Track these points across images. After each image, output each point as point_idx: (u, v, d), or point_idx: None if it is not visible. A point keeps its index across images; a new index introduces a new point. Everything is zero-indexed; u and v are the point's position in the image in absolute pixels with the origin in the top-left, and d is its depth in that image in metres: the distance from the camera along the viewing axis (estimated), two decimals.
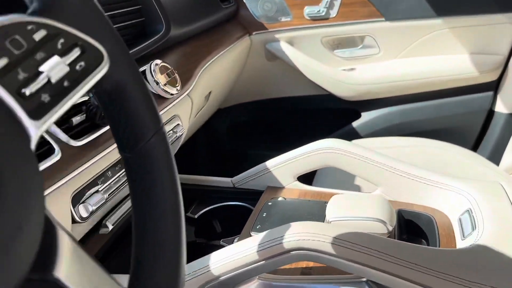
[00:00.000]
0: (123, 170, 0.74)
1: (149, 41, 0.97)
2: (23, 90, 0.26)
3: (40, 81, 0.27)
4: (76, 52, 0.31)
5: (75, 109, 0.69)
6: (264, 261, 0.62)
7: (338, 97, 1.51)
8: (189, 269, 0.65)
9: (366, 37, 1.50)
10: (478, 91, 1.47)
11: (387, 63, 1.50)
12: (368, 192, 0.90)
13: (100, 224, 0.80)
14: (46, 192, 0.58)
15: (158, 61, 0.89)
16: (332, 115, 1.61)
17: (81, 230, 0.73)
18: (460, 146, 1.23)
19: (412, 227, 0.79)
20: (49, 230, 0.29)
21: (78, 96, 0.32)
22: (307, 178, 0.96)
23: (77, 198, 0.64)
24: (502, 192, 0.74)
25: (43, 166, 0.59)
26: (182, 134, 0.94)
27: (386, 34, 1.47)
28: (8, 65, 0.26)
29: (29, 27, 0.27)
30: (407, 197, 0.84)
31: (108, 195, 0.69)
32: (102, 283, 0.33)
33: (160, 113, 0.87)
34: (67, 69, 0.30)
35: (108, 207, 0.77)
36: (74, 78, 0.31)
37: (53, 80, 0.28)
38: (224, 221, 0.98)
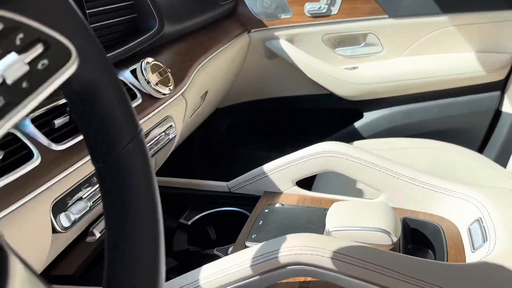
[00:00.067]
0: None
1: (142, 38, 0.94)
2: None
3: None
4: (38, 49, 0.28)
5: (57, 111, 0.66)
6: (258, 276, 0.58)
7: (340, 96, 1.49)
8: (179, 284, 0.61)
9: (368, 34, 1.47)
10: (484, 91, 1.44)
11: (390, 62, 1.48)
12: (371, 198, 0.86)
13: (87, 231, 0.77)
14: (23, 201, 0.54)
15: (149, 59, 0.86)
16: (334, 115, 1.59)
17: (65, 239, 0.69)
18: (466, 147, 1.21)
19: (418, 237, 0.75)
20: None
21: (39, 99, 0.29)
22: (306, 183, 0.92)
23: (58, 206, 0.60)
24: None
25: (20, 172, 0.55)
26: (175, 136, 0.90)
27: (390, 32, 1.44)
28: None
29: None
30: (412, 204, 0.80)
31: (93, 203, 0.65)
32: None
33: (151, 114, 0.84)
34: (26, 68, 0.27)
35: (94, 215, 0.73)
36: (34, 78, 0.27)
37: (9, 81, 0.25)
38: (219, 228, 0.94)
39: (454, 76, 1.41)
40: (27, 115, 0.62)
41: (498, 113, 1.46)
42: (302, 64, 1.45)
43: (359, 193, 0.96)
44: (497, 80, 1.42)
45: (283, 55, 1.46)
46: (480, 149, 1.49)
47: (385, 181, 0.81)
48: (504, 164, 1.20)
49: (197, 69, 1.06)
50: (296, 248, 0.56)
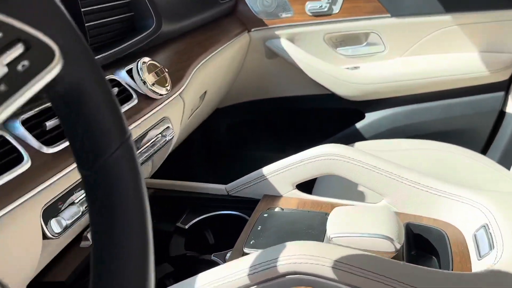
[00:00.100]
0: None
1: (138, 37, 0.92)
2: None
3: None
4: (18, 49, 0.26)
5: (49, 112, 0.63)
6: (256, 286, 0.55)
7: (341, 97, 1.47)
8: None
9: (370, 34, 1.45)
10: (488, 91, 1.42)
11: (393, 62, 1.46)
12: (373, 202, 0.84)
13: (80, 236, 0.75)
14: (12, 206, 0.52)
15: (146, 59, 0.84)
16: (335, 116, 1.57)
17: (56, 245, 0.67)
18: (469, 149, 1.19)
19: (421, 242, 0.73)
20: None
21: (19, 103, 0.27)
22: (307, 186, 0.90)
23: (49, 212, 0.58)
24: None
25: (9, 176, 0.53)
26: (172, 138, 0.88)
27: (392, 31, 1.43)
28: None
29: None
30: (416, 209, 0.77)
31: (85, 207, 0.63)
32: None
33: (148, 115, 0.82)
34: (5, 70, 0.25)
35: (87, 219, 0.70)
36: (14, 80, 0.26)
37: None
38: (217, 232, 0.92)
39: (457, 76, 1.39)
40: (17, 117, 0.60)
41: (502, 114, 1.44)
42: (303, 63, 1.43)
43: (360, 197, 0.94)
44: (501, 81, 1.40)
45: (284, 55, 1.44)
46: (484, 151, 1.47)
47: (387, 185, 0.78)
48: (508, 165, 1.18)
49: (196, 69, 1.04)
50: (295, 256, 0.53)
